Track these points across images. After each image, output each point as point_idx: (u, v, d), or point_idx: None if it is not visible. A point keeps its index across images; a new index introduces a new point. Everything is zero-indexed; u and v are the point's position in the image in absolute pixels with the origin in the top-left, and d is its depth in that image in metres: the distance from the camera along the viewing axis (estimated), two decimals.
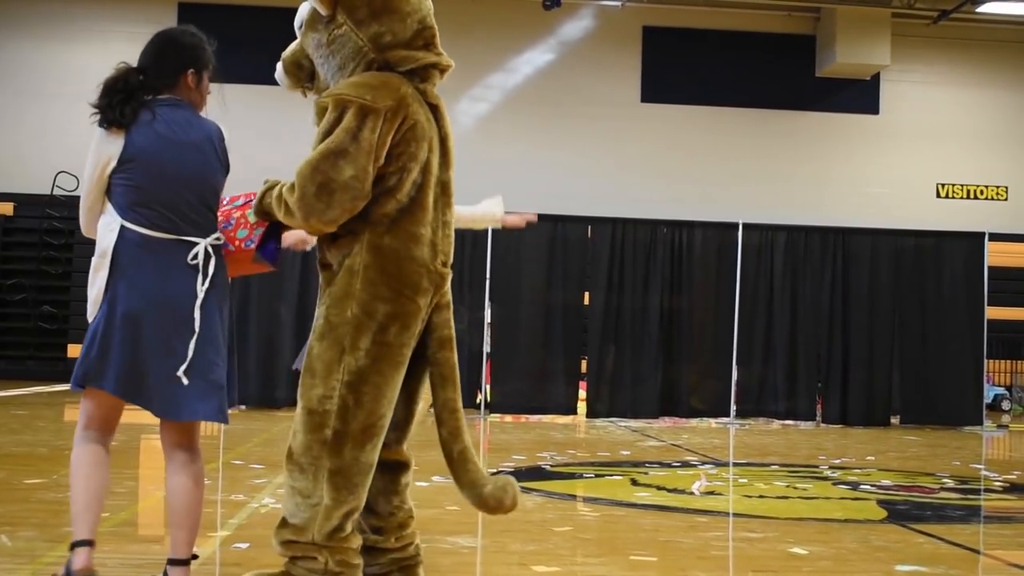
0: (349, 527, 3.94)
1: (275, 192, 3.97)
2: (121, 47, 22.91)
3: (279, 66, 4.16)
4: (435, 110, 4.02)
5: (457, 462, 4.04)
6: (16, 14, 21.91)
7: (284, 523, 3.98)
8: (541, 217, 15.91)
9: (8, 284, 20.60)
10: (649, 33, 22.86)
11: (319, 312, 3.98)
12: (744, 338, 15.92)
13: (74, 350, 20.54)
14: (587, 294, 16.06)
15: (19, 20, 21.78)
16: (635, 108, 22.71)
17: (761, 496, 8.00)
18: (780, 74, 22.78)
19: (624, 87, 22.75)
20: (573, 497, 7.88)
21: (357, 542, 4.00)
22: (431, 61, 3.96)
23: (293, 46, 4.12)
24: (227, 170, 4.23)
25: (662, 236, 16.10)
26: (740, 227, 16.11)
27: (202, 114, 4.24)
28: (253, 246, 4.18)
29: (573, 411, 15.76)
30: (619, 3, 22.63)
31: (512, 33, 22.55)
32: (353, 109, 3.76)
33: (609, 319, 15.91)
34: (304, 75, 4.09)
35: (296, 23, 4.05)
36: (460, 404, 4.09)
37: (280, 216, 3.94)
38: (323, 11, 3.87)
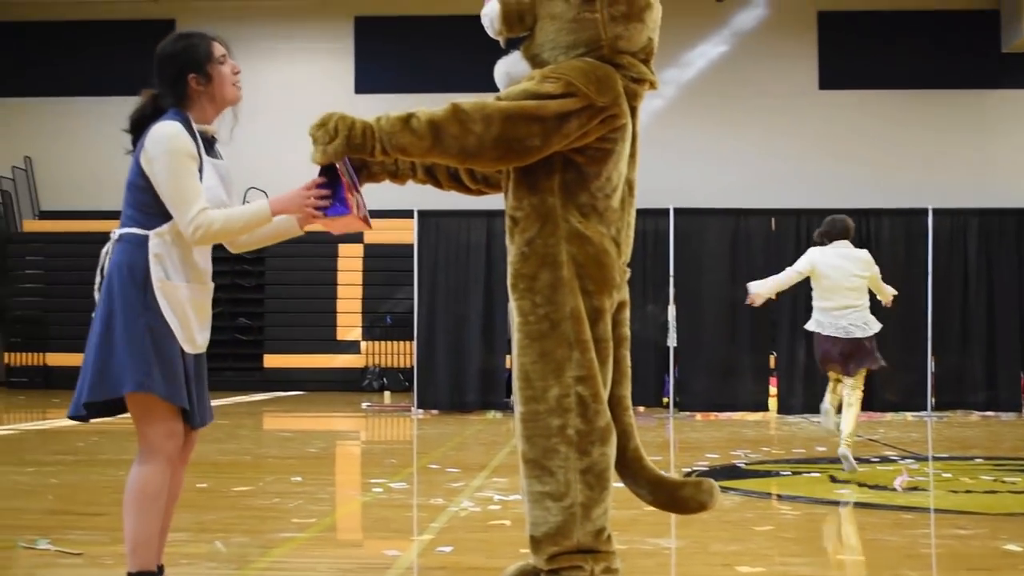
0: (608, 528, 3.91)
1: (397, 116, 3.81)
2: (300, 64, 23.74)
3: (495, 7, 3.99)
4: (633, 112, 4.02)
5: (632, 460, 4.02)
6: None
7: (541, 539, 3.87)
8: (723, 211, 15.87)
9: None
10: (824, 18, 22.40)
11: (524, 306, 3.89)
12: (938, 328, 15.42)
13: (270, 360, 21.20)
14: None
15: None
16: (814, 96, 22.27)
17: (968, 491, 7.75)
18: (963, 53, 22.03)
19: (801, 75, 22.34)
20: (771, 495, 7.77)
21: (614, 546, 3.96)
22: (650, 79, 3.99)
23: None
24: (140, 172, 3.95)
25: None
26: (930, 213, 15.63)
27: (239, 102, 4.17)
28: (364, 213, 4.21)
29: (764, 407, 15.51)
30: None
31: (684, 26, 22.33)
32: (577, 99, 3.76)
33: (798, 313, 15.61)
34: (520, 28, 3.98)
35: None
36: (630, 402, 4.08)
37: (403, 140, 3.78)
38: None
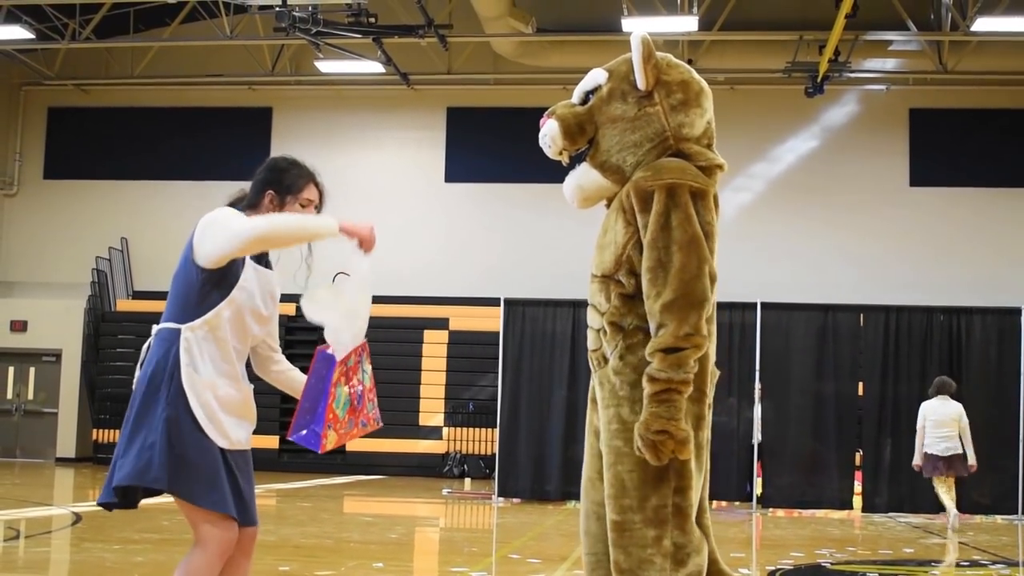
0: None
1: (658, 365, 3.60)
2: (393, 151, 24.17)
3: (554, 125, 3.96)
4: (715, 202, 3.98)
5: (709, 562, 3.94)
6: (304, 126, 23.25)
7: None
8: (810, 306, 15.74)
9: None
10: (915, 115, 22.31)
11: (620, 413, 3.78)
12: None
13: (352, 444, 21.27)
14: (861, 384, 15.60)
15: (306, 131, 23.08)
16: (904, 193, 22.12)
17: None
18: None
19: (892, 171, 22.22)
20: None
21: None
22: (718, 162, 3.93)
23: (576, 109, 3.98)
24: (190, 264, 4.05)
25: (938, 323, 15.50)
26: (1023, 312, 15.35)
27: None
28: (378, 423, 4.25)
29: (849, 505, 15.24)
30: (884, 87, 22.20)
31: (775, 121, 22.41)
32: (682, 192, 3.71)
33: (885, 410, 15.39)
34: (583, 140, 3.95)
35: (587, 87, 4.00)
36: (708, 503, 4.00)
37: (688, 372, 3.62)
38: (643, 86, 3.86)
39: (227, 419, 4.00)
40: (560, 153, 3.99)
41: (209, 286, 4.01)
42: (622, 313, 3.80)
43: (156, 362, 3.98)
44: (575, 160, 4.01)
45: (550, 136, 3.96)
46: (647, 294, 3.67)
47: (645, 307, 3.69)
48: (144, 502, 4.02)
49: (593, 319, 3.89)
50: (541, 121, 3.99)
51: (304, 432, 4.00)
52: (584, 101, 3.98)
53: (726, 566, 3.99)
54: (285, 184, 4.17)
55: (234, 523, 3.98)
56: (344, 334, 4.04)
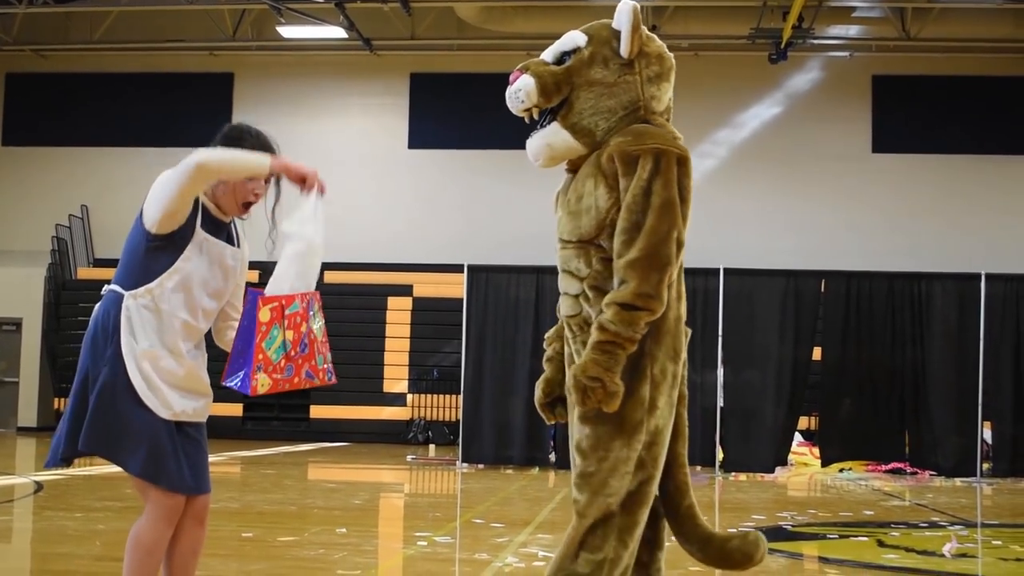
0: None
1: (611, 316, 3.67)
2: (356, 117, 24.04)
3: (529, 80, 3.93)
4: None
5: (684, 517, 4.01)
6: (266, 91, 23.09)
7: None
8: (773, 272, 15.83)
9: None
10: (879, 82, 22.42)
11: None
12: (990, 393, 15.24)
13: (316, 411, 21.29)
14: (819, 349, 15.72)
15: (268, 97, 22.93)
16: (866, 159, 22.25)
17: (1018, 559, 7.63)
18: (1017, 118, 21.97)
19: (854, 137, 22.33)
20: (819, 559, 7.69)
21: None
22: (679, 137, 3.99)
23: (553, 68, 3.96)
24: (140, 229, 4.04)
25: (899, 289, 15.61)
26: (983, 278, 15.48)
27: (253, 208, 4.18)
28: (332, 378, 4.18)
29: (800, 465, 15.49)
30: (847, 54, 22.26)
31: (738, 88, 22.45)
32: (669, 158, 3.76)
33: (846, 375, 15.54)
34: (557, 97, 3.93)
35: (565, 47, 3.99)
36: (686, 459, 4.06)
37: (637, 332, 3.68)
38: (626, 55, 3.90)
39: (169, 391, 3.93)
40: (528, 110, 3.97)
41: (155, 254, 3.96)
42: (605, 277, 3.82)
43: (98, 324, 3.96)
44: (539, 119, 4.00)
45: (525, 91, 3.93)
46: (618, 253, 3.71)
47: (613, 266, 3.72)
48: (105, 469, 4.00)
49: (570, 285, 3.89)
50: (512, 76, 3.96)
51: (235, 378, 3.92)
52: (559, 61, 3.97)
53: (704, 521, 4.04)
54: None
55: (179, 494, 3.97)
56: (283, 280, 3.98)
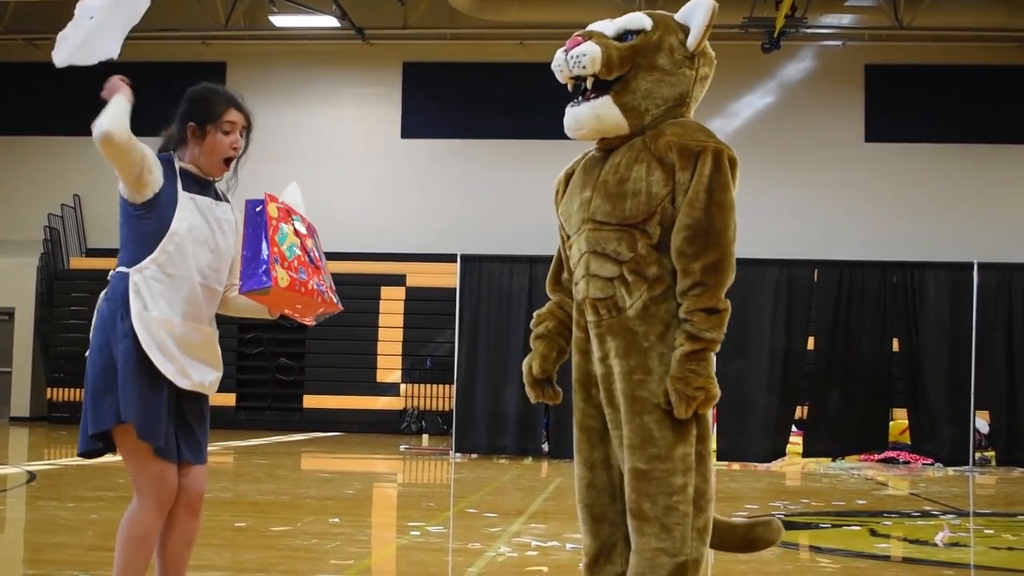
0: None
1: (702, 325, 3.75)
2: (349, 106, 23.93)
3: (595, 47, 3.83)
4: None
5: None
6: (259, 80, 23.01)
7: None
8: (766, 262, 15.82)
9: (247, 339, 21.49)
10: (871, 71, 22.41)
11: (647, 364, 3.80)
12: (983, 383, 15.26)
13: (310, 401, 21.28)
14: (812, 339, 15.73)
15: (261, 86, 22.84)
16: (859, 148, 22.26)
17: (1010, 548, 7.65)
18: (1010, 107, 21.97)
19: (847, 127, 22.34)
20: (812, 548, 7.70)
21: None
22: None
23: (618, 43, 3.88)
24: (123, 205, 4.07)
25: (892, 278, 15.61)
26: (975, 267, 15.49)
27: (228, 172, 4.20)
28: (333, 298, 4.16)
29: (782, 454, 15.48)
30: (840, 43, 22.26)
31: (731, 77, 22.38)
32: (727, 159, 3.85)
33: (836, 364, 15.56)
34: (617, 72, 3.86)
35: (630, 26, 3.94)
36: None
37: (723, 333, 3.82)
38: (692, 49, 3.93)
39: (187, 359, 3.94)
40: (580, 78, 3.89)
41: (146, 225, 3.98)
42: (648, 263, 3.82)
43: (107, 306, 3.97)
44: (581, 91, 3.91)
45: (590, 57, 3.83)
46: (682, 251, 3.74)
47: (676, 263, 3.76)
48: (98, 459, 3.99)
49: (605, 268, 3.84)
50: (571, 41, 3.87)
51: (253, 278, 3.87)
52: (620, 38, 3.92)
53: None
54: (203, 113, 4.15)
55: (171, 472, 3.96)
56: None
